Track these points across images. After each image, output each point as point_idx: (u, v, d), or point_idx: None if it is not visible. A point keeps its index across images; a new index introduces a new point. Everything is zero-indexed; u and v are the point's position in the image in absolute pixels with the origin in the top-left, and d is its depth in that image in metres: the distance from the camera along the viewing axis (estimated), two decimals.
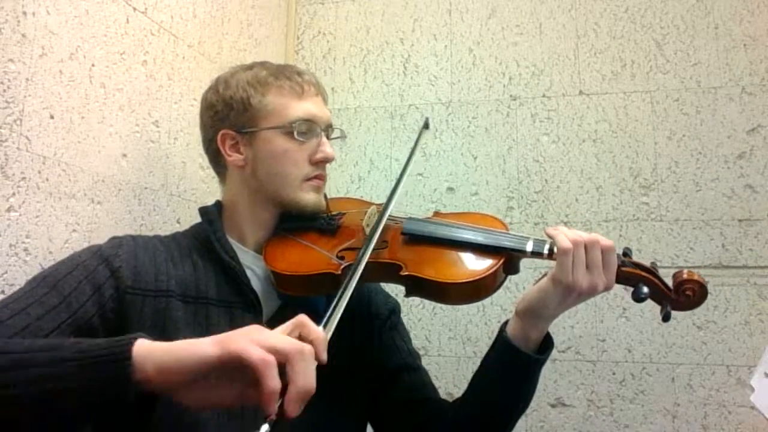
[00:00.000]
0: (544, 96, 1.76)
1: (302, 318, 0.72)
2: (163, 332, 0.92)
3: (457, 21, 1.85)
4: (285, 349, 0.66)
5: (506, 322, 1.02)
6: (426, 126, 1.20)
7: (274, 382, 0.64)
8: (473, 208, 1.74)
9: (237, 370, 0.66)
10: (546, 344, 1.00)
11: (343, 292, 0.83)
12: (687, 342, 1.57)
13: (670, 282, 0.94)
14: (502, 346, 0.99)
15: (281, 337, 0.69)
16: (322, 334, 0.71)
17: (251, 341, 0.66)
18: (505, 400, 1.01)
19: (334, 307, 0.80)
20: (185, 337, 0.91)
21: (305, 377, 0.66)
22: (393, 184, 1.06)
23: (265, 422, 0.64)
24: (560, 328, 1.64)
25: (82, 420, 0.71)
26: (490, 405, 1.02)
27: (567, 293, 0.92)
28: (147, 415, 0.70)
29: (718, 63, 1.65)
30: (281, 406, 0.65)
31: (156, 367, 0.67)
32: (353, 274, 0.86)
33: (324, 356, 0.70)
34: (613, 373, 1.60)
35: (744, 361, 1.53)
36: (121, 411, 0.68)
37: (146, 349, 0.68)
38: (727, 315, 1.55)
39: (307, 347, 0.68)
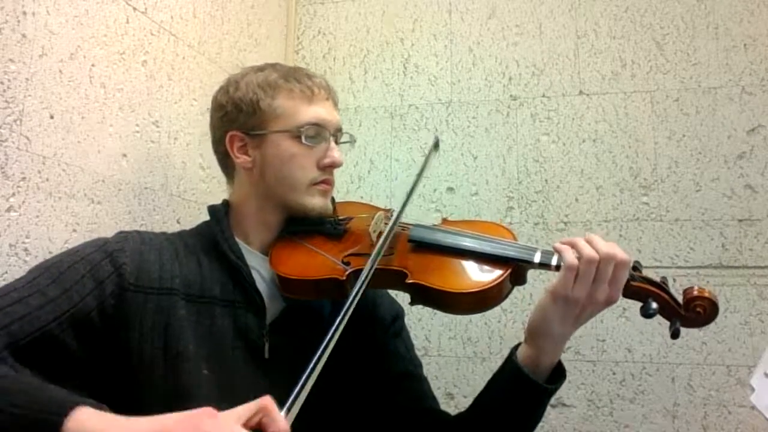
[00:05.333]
0: (544, 96, 1.76)
1: (267, 403, 0.68)
2: (165, 330, 0.92)
3: (457, 21, 1.85)
4: None
5: (518, 345, 0.99)
6: (436, 146, 1.14)
7: None
8: (473, 208, 1.74)
9: None
10: (558, 374, 0.98)
11: (347, 310, 0.81)
12: (687, 342, 1.57)
13: (680, 298, 0.92)
14: (510, 369, 0.97)
15: (234, 429, 0.64)
16: (284, 425, 0.67)
17: None
18: (508, 424, 0.99)
19: (331, 337, 0.77)
20: (188, 336, 0.93)
21: None
22: (404, 198, 1.03)
23: None
24: None
25: None
26: (493, 427, 0.99)
27: (567, 308, 0.90)
28: None
29: (718, 63, 1.65)
30: None
31: None
32: (359, 289, 0.84)
33: None
34: (613, 373, 1.60)
35: (744, 361, 1.53)
36: None
37: (79, 424, 0.67)
38: (727, 315, 1.55)
39: None
